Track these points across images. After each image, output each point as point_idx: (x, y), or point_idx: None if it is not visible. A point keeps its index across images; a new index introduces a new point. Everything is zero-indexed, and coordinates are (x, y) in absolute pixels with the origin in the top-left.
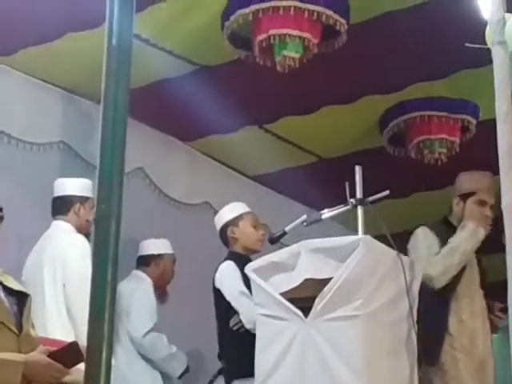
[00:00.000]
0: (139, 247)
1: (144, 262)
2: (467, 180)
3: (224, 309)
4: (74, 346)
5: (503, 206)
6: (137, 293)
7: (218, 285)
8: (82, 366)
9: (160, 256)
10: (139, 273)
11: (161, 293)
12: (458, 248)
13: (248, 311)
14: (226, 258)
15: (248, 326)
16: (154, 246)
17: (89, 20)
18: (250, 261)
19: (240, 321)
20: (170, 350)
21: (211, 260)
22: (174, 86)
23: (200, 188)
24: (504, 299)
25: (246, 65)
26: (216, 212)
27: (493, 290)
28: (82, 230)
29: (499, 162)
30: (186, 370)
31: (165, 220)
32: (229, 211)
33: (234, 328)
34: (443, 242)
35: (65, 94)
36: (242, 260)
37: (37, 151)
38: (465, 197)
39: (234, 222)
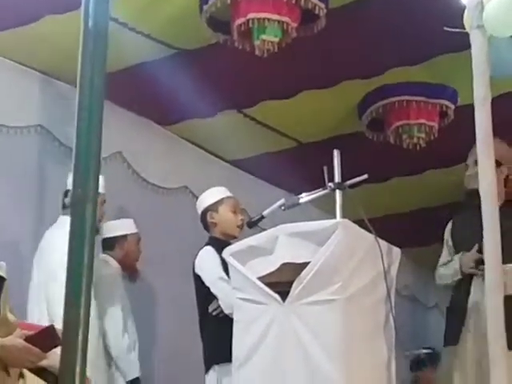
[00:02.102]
0: (103, 229)
1: (108, 244)
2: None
3: (204, 294)
4: (50, 329)
5: (481, 188)
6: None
7: (197, 270)
8: (58, 349)
9: (124, 237)
10: (105, 257)
11: (130, 272)
12: None
13: (227, 297)
14: (206, 244)
15: (227, 312)
16: (117, 227)
17: (65, 3)
18: (230, 245)
19: (219, 306)
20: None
21: (190, 244)
22: (153, 70)
23: (178, 172)
24: None
25: (225, 49)
26: (194, 196)
27: None
28: None
29: (477, 148)
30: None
31: (143, 204)
32: (209, 196)
33: (213, 313)
34: None
35: (42, 77)
36: (221, 245)
37: (14, 135)
38: None
39: (213, 207)
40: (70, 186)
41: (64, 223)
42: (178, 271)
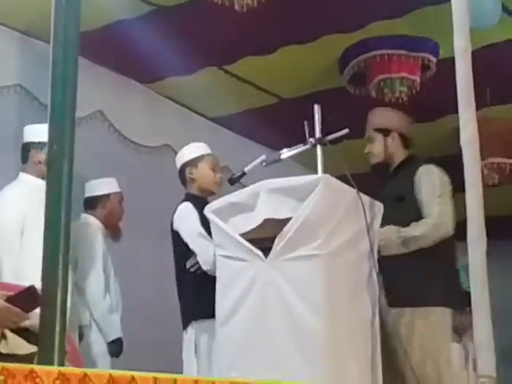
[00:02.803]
0: (85, 188)
1: (90, 204)
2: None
3: (182, 250)
4: (31, 290)
5: (462, 142)
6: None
7: (175, 226)
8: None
9: (106, 196)
10: (87, 217)
11: (113, 231)
12: None
13: (205, 252)
14: (184, 200)
15: (205, 268)
16: (99, 186)
17: None
18: (207, 202)
19: (197, 262)
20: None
21: (172, 202)
22: (132, 27)
23: (160, 130)
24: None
25: (205, 5)
26: (176, 154)
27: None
28: (38, 172)
29: (458, 99)
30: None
31: (125, 162)
32: (189, 151)
33: (191, 269)
34: None
35: (20, 36)
36: (198, 201)
37: None
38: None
39: (193, 163)
40: (28, 139)
41: (20, 181)
42: (161, 229)
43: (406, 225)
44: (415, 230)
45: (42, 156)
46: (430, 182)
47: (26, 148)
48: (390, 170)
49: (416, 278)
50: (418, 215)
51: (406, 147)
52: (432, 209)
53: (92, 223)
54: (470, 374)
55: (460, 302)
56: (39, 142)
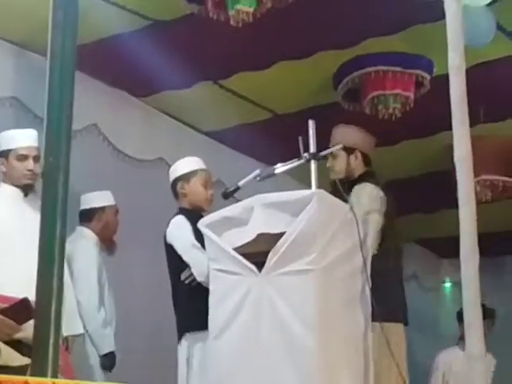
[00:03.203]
0: (80, 201)
1: (86, 216)
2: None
3: (176, 263)
4: (25, 302)
5: (456, 159)
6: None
7: (169, 240)
8: (33, 322)
9: (102, 209)
10: (82, 229)
11: (108, 245)
12: None
13: (199, 264)
14: (176, 213)
15: (199, 279)
16: (95, 199)
17: None
18: (201, 216)
19: (191, 274)
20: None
21: (166, 216)
22: (128, 41)
23: (154, 144)
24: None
25: (200, 20)
26: (170, 167)
27: (445, 246)
28: (14, 181)
29: (452, 116)
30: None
31: (119, 176)
32: (183, 166)
33: (186, 281)
34: None
35: (16, 49)
36: (192, 215)
37: None
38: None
39: (185, 178)
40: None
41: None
42: (154, 243)
43: None
44: None
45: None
46: (358, 198)
47: None
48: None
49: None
50: None
51: (367, 165)
52: None
53: (87, 235)
54: None
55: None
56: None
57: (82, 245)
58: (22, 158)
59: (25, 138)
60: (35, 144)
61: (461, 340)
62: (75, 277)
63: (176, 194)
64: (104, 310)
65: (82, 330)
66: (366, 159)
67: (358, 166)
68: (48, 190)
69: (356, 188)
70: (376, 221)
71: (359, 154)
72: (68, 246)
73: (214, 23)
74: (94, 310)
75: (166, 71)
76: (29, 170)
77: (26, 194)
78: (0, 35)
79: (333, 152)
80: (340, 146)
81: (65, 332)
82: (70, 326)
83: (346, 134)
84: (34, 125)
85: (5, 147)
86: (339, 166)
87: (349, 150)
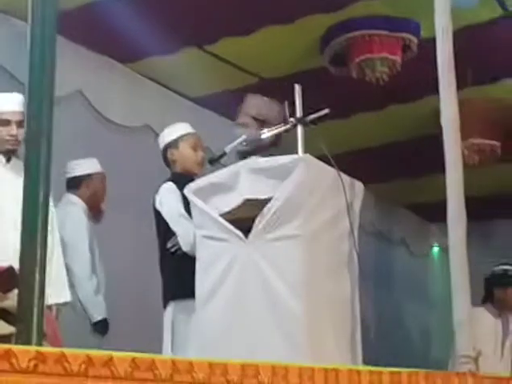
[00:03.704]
0: (67, 169)
1: (74, 184)
2: None
3: (163, 230)
4: (9, 270)
5: (443, 120)
6: (67, 224)
7: (157, 206)
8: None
9: (89, 176)
10: (70, 196)
11: (95, 212)
12: None
13: (185, 234)
14: (168, 179)
15: (185, 249)
16: (82, 166)
17: None
18: (192, 181)
19: (178, 243)
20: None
21: (153, 182)
22: (111, 7)
23: (140, 110)
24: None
25: None
26: (157, 135)
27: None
28: None
29: (439, 78)
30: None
31: (106, 143)
32: (170, 132)
33: (172, 250)
34: None
35: None
36: (183, 181)
37: None
38: None
39: (173, 144)
40: None
41: None
42: (141, 210)
43: None
44: None
45: None
46: None
47: None
48: None
49: None
50: None
51: (277, 138)
52: None
53: (76, 202)
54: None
55: None
56: None
57: (72, 212)
58: (5, 122)
59: (8, 103)
60: (19, 109)
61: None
62: (66, 244)
63: (167, 163)
64: (96, 277)
65: (68, 299)
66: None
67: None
68: (31, 155)
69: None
70: None
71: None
72: (58, 213)
73: None
74: (86, 278)
75: (150, 37)
76: (11, 135)
77: (8, 160)
78: None
79: (245, 122)
80: (326, 111)
81: (51, 300)
82: (57, 294)
83: (261, 107)
84: (18, 91)
85: None
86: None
87: (262, 123)
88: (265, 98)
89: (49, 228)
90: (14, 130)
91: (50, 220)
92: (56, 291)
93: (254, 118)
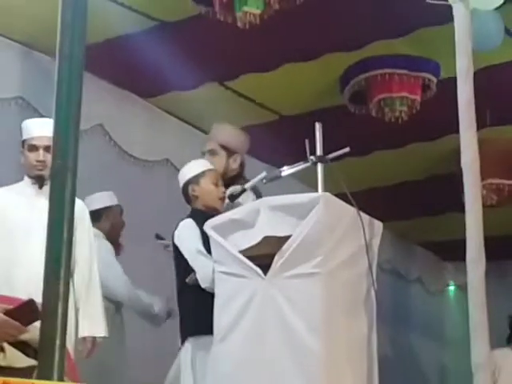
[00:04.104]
0: (86, 203)
1: (94, 217)
2: None
3: (182, 266)
4: (30, 303)
5: (463, 163)
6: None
7: (176, 241)
8: (38, 323)
9: (108, 208)
10: (94, 230)
11: (115, 245)
12: None
13: (204, 270)
14: (188, 216)
15: (203, 285)
16: (101, 199)
17: None
18: (212, 218)
19: (197, 278)
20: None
21: (171, 216)
22: (134, 42)
23: (160, 145)
24: (463, 258)
25: (207, 21)
26: (176, 169)
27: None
28: (29, 173)
29: (459, 119)
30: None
31: (125, 177)
32: (190, 169)
33: (190, 283)
34: None
35: (23, 49)
36: (203, 217)
37: None
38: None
39: (194, 180)
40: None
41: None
42: (160, 244)
43: None
44: None
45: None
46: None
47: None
48: None
49: None
50: None
51: (241, 168)
52: None
53: (98, 235)
54: None
55: None
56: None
57: (99, 244)
58: (33, 148)
59: (36, 128)
60: (47, 134)
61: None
62: (102, 276)
63: (188, 199)
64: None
65: (103, 334)
66: (242, 167)
67: (232, 172)
68: (55, 192)
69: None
70: None
71: (238, 159)
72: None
73: (220, 24)
74: (130, 290)
75: (172, 72)
76: (38, 161)
77: (40, 186)
78: (7, 35)
79: (213, 148)
80: (347, 149)
81: (86, 332)
82: (93, 327)
83: (230, 136)
84: None
85: (22, 138)
86: (218, 165)
87: (230, 152)
88: (232, 127)
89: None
90: (40, 155)
91: (89, 250)
92: (91, 324)
93: (222, 146)
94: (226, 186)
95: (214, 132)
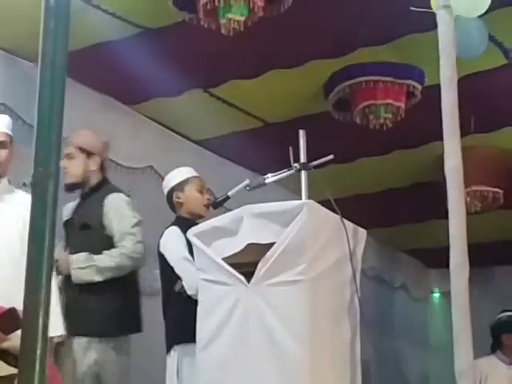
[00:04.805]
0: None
1: None
2: None
3: (168, 274)
4: (12, 312)
5: (446, 169)
6: None
7: (161, 250)
8: (20, 332)
9: None
10: None
11: None
12: None
13: (190, 278)
14: (172, 223)
15: (190, 293)
16: None
17: None
18: (196, 225)
19: (183, 286)
20: None
21: (155, 224)
22: (118, 49)
23: (144, 152)
24: (447, 265)
25: (191, 27)
26: (160, 176)
27: (434, 256)
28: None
29: (443, 126)
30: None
31: None
32: (175, 176)
33: (178, 291)
34: None
35: (5, 56)
36: (187, 225)
37: None
38: None
39: (179, 187)
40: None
41: None
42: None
43: (96, 252)
44: (111, 260)
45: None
46: (121, 211)
47: None
48: (82, 193)
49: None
50: (107, 243)
51: (102, 171)
52: (126, 238)
53: None
54: None
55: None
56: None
57: None
58: None
59: None
60: (1, 130)
61: (497, 350)
62: None
63: (173, 206)
64: None
65: (61, 332)
66: (103, 166)
67: (95, 173)
68: (37, 199)
69: (111, 199)
70: (141, 233)
71: (98, 159)
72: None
73: (204, 31)
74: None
75: (156, 79)
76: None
77: None
78: None
79: (70, 152)
80: (331, 156)
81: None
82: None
83: (86, 138)
84: (23, 132)
85: None
86: (76, 169)
87: (88, 154)
88: (90, 131)
89: None
90: None
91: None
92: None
93: (80, 149)
94: (91, 192)
95: (71, 136)
